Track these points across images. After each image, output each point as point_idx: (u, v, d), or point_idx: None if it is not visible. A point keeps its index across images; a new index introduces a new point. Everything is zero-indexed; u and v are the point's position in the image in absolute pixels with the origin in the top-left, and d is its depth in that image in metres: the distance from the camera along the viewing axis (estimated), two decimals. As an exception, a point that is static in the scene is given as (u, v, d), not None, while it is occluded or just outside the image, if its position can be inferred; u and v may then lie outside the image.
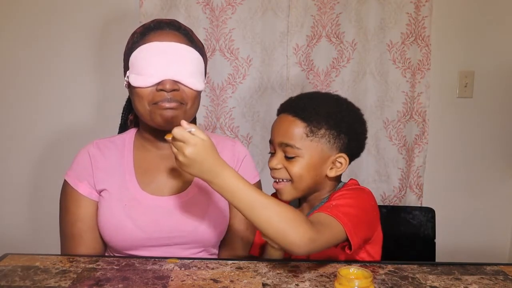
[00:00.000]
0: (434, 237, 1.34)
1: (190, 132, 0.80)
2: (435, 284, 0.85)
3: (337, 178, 1.05)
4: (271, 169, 1.02)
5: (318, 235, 0.82)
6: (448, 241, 1.91)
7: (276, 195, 1.05)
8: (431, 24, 1.81)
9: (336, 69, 1.82)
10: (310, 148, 0.98)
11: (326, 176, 1.01)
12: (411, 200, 1.90)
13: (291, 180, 1.00)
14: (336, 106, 1.03)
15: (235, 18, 1.75)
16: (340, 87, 1.83)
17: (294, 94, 1.82)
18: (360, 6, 1.78)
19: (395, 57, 1.82)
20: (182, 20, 1.69)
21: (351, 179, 1.07)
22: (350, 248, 0.90)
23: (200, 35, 1.74)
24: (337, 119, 1.00)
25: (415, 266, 0.93)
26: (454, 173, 1.98)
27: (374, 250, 1.02)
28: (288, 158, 0.99)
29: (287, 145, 0.98)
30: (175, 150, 0.82)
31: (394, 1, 1.79)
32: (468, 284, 0.86)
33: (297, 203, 1.09)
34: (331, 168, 1.00)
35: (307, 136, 0.98)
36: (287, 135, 0.99)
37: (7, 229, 1.87)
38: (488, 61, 1.91)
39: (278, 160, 1.00)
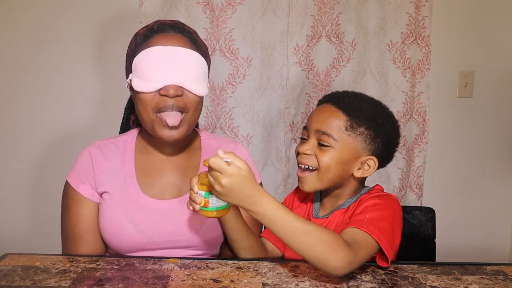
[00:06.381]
0: (434, 237, 1.34)
1: (226, 162, 0.80)
2: (435, 284, 0.85)
3: (362, 180, 1.04)
4: (301, 153, 1.00)
5: (356, 256, 0.83)
6: (448, 241, 1.91)
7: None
8: (431, 24, 1.81)
9: (336, 69, 1.82)
10: (345, 142, 0.97)
11: (352, 175, 1.00)
12: (411, 200, 1.90)
13: (317, 169, 0.98)
14: (380, 110, 1.04)
15: (235, 18, 1.75)
16: (340, 87, 1.82)
17: (294, 94, 1.85)
18: (360, 6, 1.78)
19: (395, 57, 1.82)
20: (182, 20, 1.67)
21: (377, 184, 1.07)
22: (386, 261, 0.90)
23: (200, 35, 1.72)
24: (378, 122, 1.00)
25: (415, 266, 0.93)
26: (454, 173, 1.98)
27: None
28: (321, 146, 0.97)
29: (324, 133, 0.97)
30: (211, 179, 0.81)
31: (394, 1, 1.79)
32: (468, 284, 0.86)
33: (319, 195, 1.08)
34: (359, 169, 1.00)
35: (346, 129, 0.97)
36: (326, 124, 0.97)
37: (7, 229, 1.87)
38: (488, 61, 1.91)
39: (310, 146, 0.98)
